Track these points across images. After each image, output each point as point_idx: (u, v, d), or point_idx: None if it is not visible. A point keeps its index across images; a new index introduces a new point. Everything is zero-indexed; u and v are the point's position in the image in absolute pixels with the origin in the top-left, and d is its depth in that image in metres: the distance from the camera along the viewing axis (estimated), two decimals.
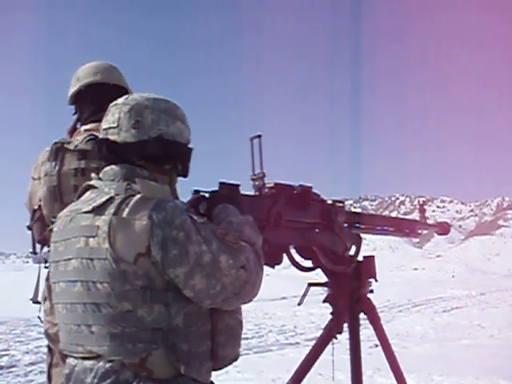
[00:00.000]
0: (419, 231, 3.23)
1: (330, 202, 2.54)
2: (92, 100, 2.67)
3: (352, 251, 2.69)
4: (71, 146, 2.52)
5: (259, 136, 2.26)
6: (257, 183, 2.29)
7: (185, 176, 1.91)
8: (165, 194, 1.70)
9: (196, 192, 1.99)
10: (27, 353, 8.89)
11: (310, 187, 2.42)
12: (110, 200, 1.66)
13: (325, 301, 2.80)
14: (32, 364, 8.08)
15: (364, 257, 2.81)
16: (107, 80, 2.66)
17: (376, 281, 2.83)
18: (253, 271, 1.72)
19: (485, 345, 9.80)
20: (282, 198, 2.27)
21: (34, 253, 2.65)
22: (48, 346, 2.60)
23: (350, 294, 2.76)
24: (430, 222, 3.39)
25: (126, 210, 1.62)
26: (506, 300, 20.65)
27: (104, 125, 1.83)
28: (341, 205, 2.56)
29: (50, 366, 2.56)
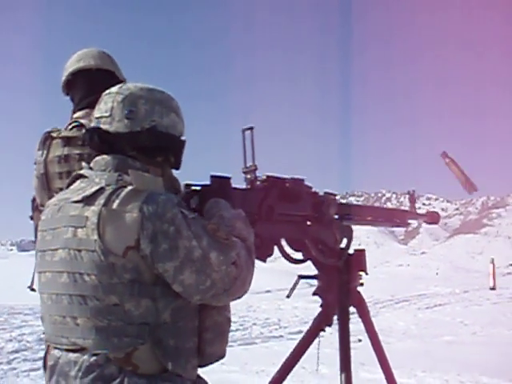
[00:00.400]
0: (409, 221, 3.24)
1: (321, 194, 2.54)
2: (79, 87, 2.66)
3: (343, 244, 2.69)
4: (55, 134, 2.52)
5: (251, 128, 2.25)
6: (248, 176, 2.28)
7: (177, 168, 1.89)
8: (158, 187, 1.67)
9: (187, 186, 1.97)
10: (10, 340, 8.83)
11: (302, 180, 2.42)
12: (100, 190, 1.64)
13: (314, 293, 2.80)
14: (15, 352, 8.04)
15: (355, 250, 2.81)
16: (90, 65, 2.64)
17: (366, 274, 2.83)
18: (243, 267, 1.71)
19: (467, 342, 9.87)
20: (274, 191, 2.27)
21: None
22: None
23: (339, 287, 2.76)
24: (419, 211, 3.39)
25: (117, 201, 1.59)
26: (489, 298, 20.73)
27: (96, 113, 1.80)
28: (332, 197, 2.56)
29: (46, 354, 2.56)
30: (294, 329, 11.43)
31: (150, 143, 1.77)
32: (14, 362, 7.45)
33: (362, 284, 2.83)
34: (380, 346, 2.88)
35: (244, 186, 2.27)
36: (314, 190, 2.49)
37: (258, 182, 2.27)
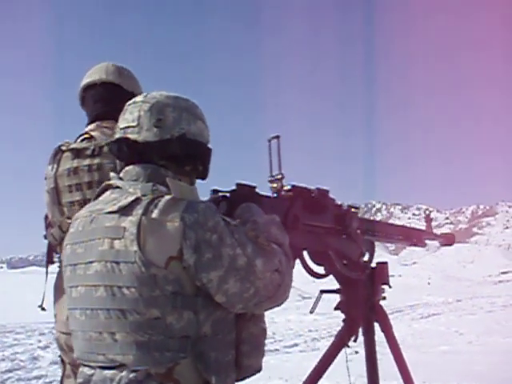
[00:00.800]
0: (426, 241, 3.20)
1: (345, 207, 2.49)
2: (88, 102, 2.68)
3: (365, 257, 2.65)
4: (65, 147, 2.51)
5: (277, 137, 2.21)
6: (274, 185, 2.24)
7: (204, 178, 1.85)
8: (194, 196, 1.64)
9: (215, 192, 1.94)
10: (3, 360, 8.72)
11: (327, 191, 2.37)
12: (137, 201, 1.58)
13: (336, 308, 2.74)
14: (9, 371, 7.94)
15: (377, 263, 2.77)
16: (94, 80, 2.65)
17: (390, 287, 2.78)
18: (285, 274, 1.68)
19: (464, 351, 9.85)
20: (300, 200, 2.22)
21: (51, 262, 2.62)
22: (60, 356, 2.56)
23: (364, 301, 2.72)
24: (435, 232, 3.36)
25: (156, 211, 1.53)
26: (482, 307, 20.80)
27: (122, 124, 1.76)
28: (355, 210, 2.52)
29: (63, 378, 2.53)
30: (288, 342, 11.40)
31: (181, 151, 1.72)
32: (8, 381, 7.36)
33: (384, 298, 2.78)
34: (403, 361, 2.82)
35: (270, 195, 2.22)
36: (336, 202, 2.45)
37: (283, 192, 2.22)
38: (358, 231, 2.51)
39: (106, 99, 2.55)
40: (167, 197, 1.57)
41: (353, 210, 2.49)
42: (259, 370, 1.78)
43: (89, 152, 2.42)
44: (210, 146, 1.83)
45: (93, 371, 1.60)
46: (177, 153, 1.72)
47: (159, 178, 1.66)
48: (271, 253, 1.64)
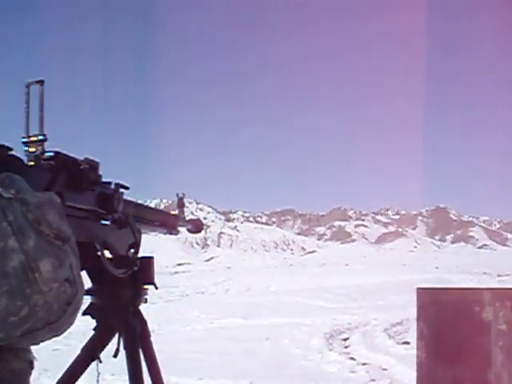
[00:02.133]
0: (179, 228, 2.84)
1: (113, 185, 1.90)
2: None
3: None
4: None
5: (41, 82, 1.58)
6: (32, 149, 1.60)
7: None
8: None
9: None
10: None
11: (98, 163, 1.79)
12: None
13: (86, 313, 2.14)
14: None
15: (141, 258, 2.25)
16: None
17: (156, 288, 2.30)
18: (79, 285, 1.07)
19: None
20: (65, 173, 1.63)
21: None
22: None
23: (126, 304, 2.18)
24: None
25: None
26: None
27: None
28: (124, 190, 1.94)
29: None
30: None
31: None
32: None
33: (146, 301, 2.27)
34: (160, 375, 2.33)
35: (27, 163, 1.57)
36: (102, 178, 1.84)
37: (43, 161, 1.58)
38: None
39: None
40: None
41: (122, 190, 2.00)
42: None
43: None
44: None
45: None
46: None
47: None
48: (62, 251, 1.03)
